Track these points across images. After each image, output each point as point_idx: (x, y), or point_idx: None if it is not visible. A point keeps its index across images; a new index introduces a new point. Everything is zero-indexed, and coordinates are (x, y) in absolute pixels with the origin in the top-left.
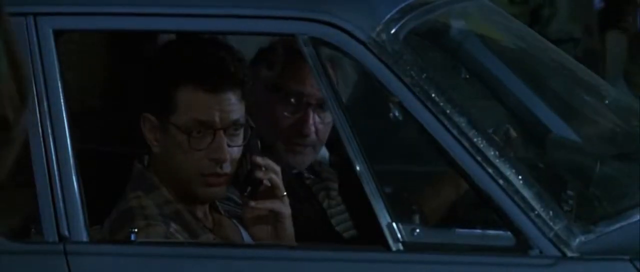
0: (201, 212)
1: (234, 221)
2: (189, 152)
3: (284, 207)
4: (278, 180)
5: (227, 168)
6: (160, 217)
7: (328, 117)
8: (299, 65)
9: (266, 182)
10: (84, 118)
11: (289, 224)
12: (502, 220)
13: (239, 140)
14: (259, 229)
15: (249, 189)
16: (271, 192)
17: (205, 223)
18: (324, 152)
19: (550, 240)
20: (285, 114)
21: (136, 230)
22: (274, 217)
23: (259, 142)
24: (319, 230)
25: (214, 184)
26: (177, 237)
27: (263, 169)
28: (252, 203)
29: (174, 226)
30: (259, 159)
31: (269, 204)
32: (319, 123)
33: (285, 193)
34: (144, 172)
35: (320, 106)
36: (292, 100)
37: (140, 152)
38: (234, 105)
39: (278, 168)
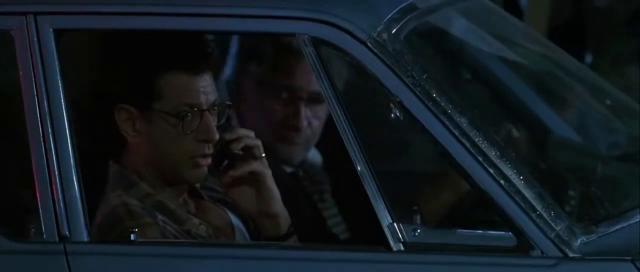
0: (181, 200)
1: (219, 205)
2: (179, 136)
3: (263, 167)
4: (254, 141)
5: (212, 148)
6: (145, 211)
7: (321, 112)
8: (288, 59)
9: (239, 151)
10: (84, 117)
11: (271, 183)
12: (503, 220)
13: (218, 119)
14: (242, 196)
15: (225, 162)
16: (249, 155)
17: (188, 209)
18: (317, 156)
19: (551, 240)
20: (276, 108)
21: (127, 229)
22: (255, 179)
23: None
24: (314, 230)
25: (201, 165)
26: (166, 227)
27: (236, 139)
28: (231, 172)
29: (160, 217)
30: (231, 132)
31: (247, 167)
32: (311, 117)
33: (263, 154)
34: (121, 170)
35: (312, 100)
36: (283, 94)
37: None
38: (211, 86)
39: (251, 132)
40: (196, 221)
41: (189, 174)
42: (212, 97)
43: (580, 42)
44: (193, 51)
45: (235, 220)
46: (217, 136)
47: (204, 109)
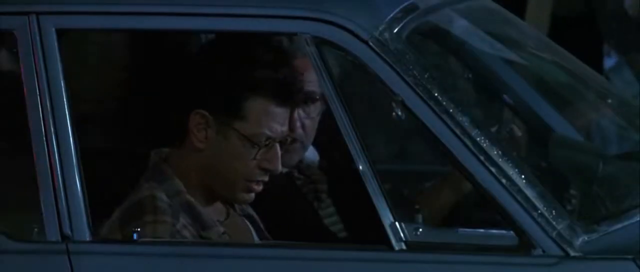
0: (212, 205)
1: (245, 220)
2: (245, 159)
3: None
4: None
5: (267, 177)
6: (170, 209)
7: (313, 112)
8: None
9: None
10: (87, 117)
11: None
12: (505, 219)
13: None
14: None
15: None
16: None
17: (218, 217)
18: (314, 155)
19: (553, 239)
20: None
21: (144, 221)
22: None
23: None
24: (312, 230)
25: (253, 190)
26: (184, 233)
27: None
28: None
29: (183, 220)
30: None
31: None
32: (304, 118)
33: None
34: (160, 163)
35: (304, 101)
36: None
37: (150, 148)
38: (288, 119)
39: None
40: (221, 229)
41: (239, 195)
42: (286, 129)
43: (589, 36)
44: (287, 83)
45: (255, 237)
46: (280, 168)
47: (278, 141)
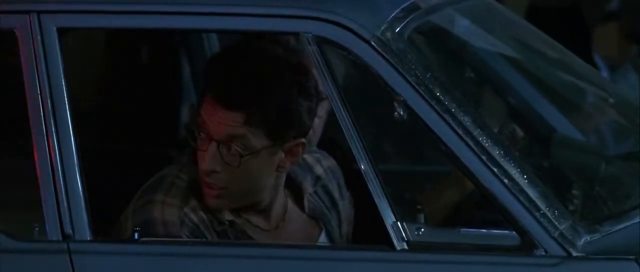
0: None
1: (320, 221)
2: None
3: None
4: None
5: (217, 181)
6: (184, 190)
7: (321, 111)
8: None
9: None
10: (88, 115)
11: None
12: (507, 219)
13: (235, 160)
14: None
15: None
16: None
17: (270, 218)
18: None
19: (555, 239)
20: None
21: (154, 200)
22: None
23: None
24: None
25: (206, 193)
26: (191, 216)
27: None
28: None
29: (193, 203)
30: None
31: None
32: None
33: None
34: (192, 146)
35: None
36: None
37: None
38: (233, 124)
39: None
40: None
41: (204, 194)
42: (229, 132)
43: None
44: (233, 89)
45: (323, 238)
46: (203, 169)
47: (214, 138)
